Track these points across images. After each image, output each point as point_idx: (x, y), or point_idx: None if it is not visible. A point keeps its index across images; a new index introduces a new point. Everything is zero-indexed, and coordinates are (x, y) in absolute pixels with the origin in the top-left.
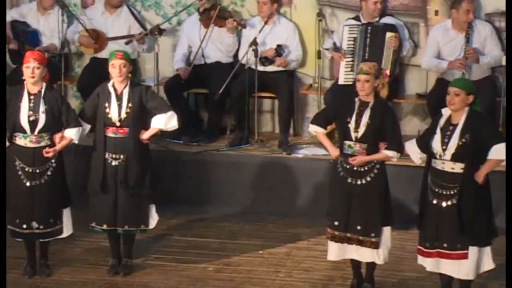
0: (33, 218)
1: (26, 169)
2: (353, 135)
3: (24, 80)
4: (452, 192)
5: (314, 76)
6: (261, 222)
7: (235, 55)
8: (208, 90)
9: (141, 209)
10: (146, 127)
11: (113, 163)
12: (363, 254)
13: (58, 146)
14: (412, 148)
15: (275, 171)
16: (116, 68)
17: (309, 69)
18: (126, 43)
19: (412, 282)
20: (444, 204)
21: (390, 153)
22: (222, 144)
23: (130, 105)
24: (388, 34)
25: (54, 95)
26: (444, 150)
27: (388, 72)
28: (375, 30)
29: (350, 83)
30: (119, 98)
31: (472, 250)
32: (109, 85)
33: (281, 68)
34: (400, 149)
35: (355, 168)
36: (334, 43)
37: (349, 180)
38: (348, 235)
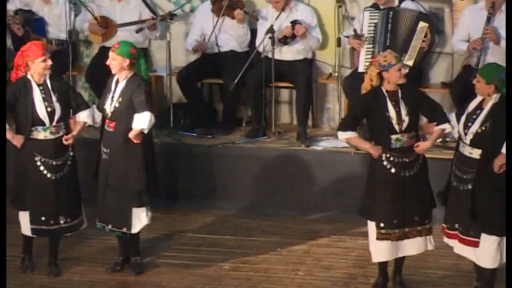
0: (60, 212)
1: (50, 163)
2: (397, 127)
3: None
4: (468, 177)
5: (334, 64)
6: (279, 218)
7: (251, 44)
8: (222, 80)
9: (122, 210)
10: None
11: (103, 156)
12: (419, 245)
13: (75, 131)
14: (452, 121)
15: (293, 164)
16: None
17: (329, 57)
18: (137, 31)
19: (438, 280)
20: (461, 187)
21: (445, 126)
22: (237, 137)
23: (120, 99)
24: (421, 24)
25: (59, 82)
26: (465, 134)
27: (411, 63)
28: (403, 15)
29: None
30: (114, 91)
31: (490, 239)
32: (115, 77)
33: (299, 57)
34: (447, 118)
35: (405, 160)
36: (355, 30)
37: (402, 174)
38: (406, 229)
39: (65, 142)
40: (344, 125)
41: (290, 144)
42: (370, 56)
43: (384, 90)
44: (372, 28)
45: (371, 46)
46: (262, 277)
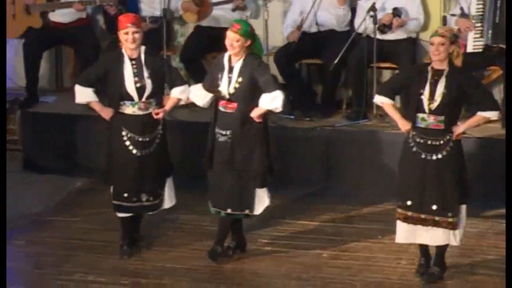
0: (143, 190)
1: (136, 138)
2: (426, 107)
3: (120, 46)
4: None
5: None
6: (381, 205)
7: (351, 23)
8: (322, 61)
9: (245, 192)
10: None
11: (220, 139)
12: (436, 237)
13: (167, 106)
14: None
15: (396, 148)
16: (228, 41)
17: None
18: (233, 10)
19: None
20: None
21: (487, 113)
22: (337, 120)
23: (240, 79)
24: None
25: (154, 58)
26: None
27: None
28: None
29: (480, 50)
30: (230, 71)
31: None
32: (225, 56)
33: (402, 36)
34: (496, 106)
35: (429, 142)
36: (461, 9)
37: (423, 156)
38: (422, 216)
39: (155, 116)
40: (381, 90)
41: (392, 127)
42: (479, 35)
43: (430, 67)
44: (481, 6)
45: (480, 24)
46: (363, 266)
